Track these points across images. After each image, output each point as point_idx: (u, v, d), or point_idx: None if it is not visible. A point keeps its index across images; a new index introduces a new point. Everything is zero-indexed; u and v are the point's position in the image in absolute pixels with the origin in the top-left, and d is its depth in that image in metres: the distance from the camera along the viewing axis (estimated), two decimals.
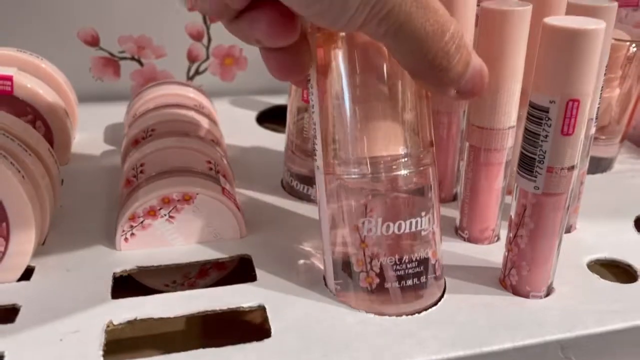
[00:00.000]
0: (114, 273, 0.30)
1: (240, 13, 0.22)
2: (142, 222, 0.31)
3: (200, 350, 0.25)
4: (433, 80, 0.23)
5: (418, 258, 0.27)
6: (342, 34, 0.25)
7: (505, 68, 0.29)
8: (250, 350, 0.25)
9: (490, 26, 0.29)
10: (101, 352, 0.25)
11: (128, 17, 0.52)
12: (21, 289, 0.29)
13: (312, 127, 0.27)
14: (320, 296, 0.29)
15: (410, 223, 0.26)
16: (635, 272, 0.32)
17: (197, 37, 0.53)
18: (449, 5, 0.31)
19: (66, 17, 0.51)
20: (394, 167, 0.26)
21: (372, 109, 0.26)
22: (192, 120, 0.39)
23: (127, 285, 0.31)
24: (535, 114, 0.25)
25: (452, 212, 0.35)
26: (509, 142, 0.31)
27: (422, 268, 0.27)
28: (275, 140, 0.46)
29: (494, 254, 0.32)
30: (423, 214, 0.26)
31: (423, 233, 0.27)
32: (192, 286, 0.34)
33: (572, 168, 0.26)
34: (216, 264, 0.33)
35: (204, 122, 0.39)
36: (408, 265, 0.27)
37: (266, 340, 0.26)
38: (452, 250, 0.33)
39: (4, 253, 0.29)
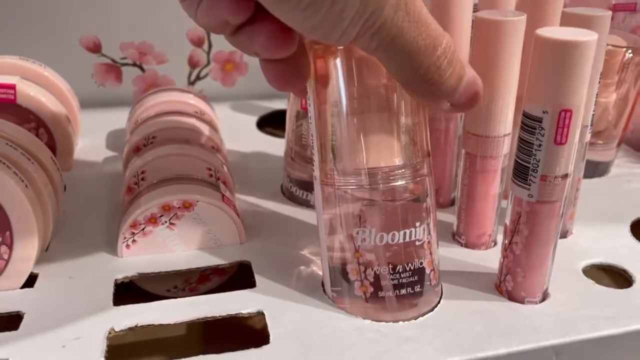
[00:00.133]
0: (115, 279, 0.31)
1: (240, 27, 0.22)
2: (143, 229, 0.32)
3: (200, 357, 0.25)
4: (426, 93, 0.23)
5: (412, 268, 0.27)
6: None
7: (500, 77, 0.29)
8: (249, 357, 0.26)
9: (485, 36, 0.29)
10: (102, 359, 0.25)
11: (129, 24, 0.52)
12: (25, 295, 0.29)
13: (310, 137, 0.27)
14: (319, 302, 0.29)
15: (405, 233, 0.27)
16: (630, 277, 0.32)
17: (198, 43, 0.54)
18: (444, 16, 0.31)
19: (68, 25, 0.51)
20: (391, 178, 0.26)
21: (370, 120, 0.26)
22: (193, 128, 0.39)
23: (129, 291, 0.32)
24: (528, 124, 0.26)
25: (450, 217, 0.36)
26: (505, 149, 0.31)
27: (417, 277, 0.27)
28: (275, 146, 0.47)
29: (490, 259, 0.32)
30: (418, 224, 0.27)
31: (417, 243, 0.27)
32: (193, 291, 0.35)
33: (565, 176, 0.26)
34: (216, 270, 0.34)
35: (205, 129, 0.40)
36: (402, 275, 0.27)
37: (265, 347, 0.26)
38: (449, 255, 0.33)
39: (7, 260, 0.29)
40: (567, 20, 0.30)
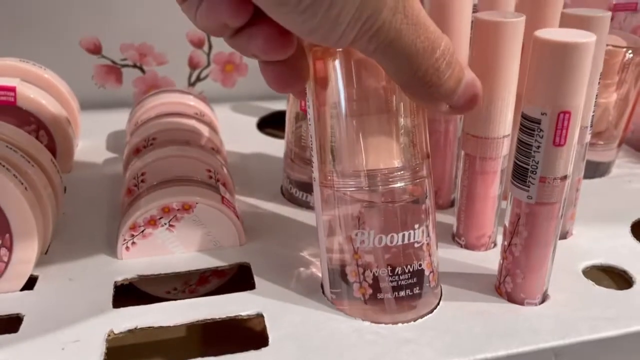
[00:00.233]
0: (115, 282, 0.31)
1: (239, 30, 0.22)
2: (142, 231, 0.32)
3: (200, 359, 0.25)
4: (424, 95, 0.23)
5: (411, 270, 0.27)
6: None
7: (499, 78, 0.29)
8: (249, 359, 0.26)
9: (484, 37, 0.29)
10: None
11: (129, 26, 0.52)
12: (24, 298, 0.29)
13: (309, 139, 0.27)
14: (318, 304, 0.29)
15: (403, 235, 0.27)
16: (630, 278, 0.32)
17: (198, 44, 0.54)
18: (444, 17, 0.31)
19: (69, 26, 0.51)
20: (390, 179, 0.26)
21: (369, 122, 0.26)
22: (193, 129, 0.39)
23: (128, 293, 0.32)
24: (527, 125, 0.26)
25: (450, 218, 0.36)
26: (504, 151, 0.31)
27: (416, 279, 0.27)
28: (275, 147, 0.47)
29: (490, 260, 0.32)
30: (417, 226, 0.27)
31: (416, 245, 0.27)
32: (192, 293, 0.35)
33: (564, 178, 0.26)
34: (216, 272, 0.34)
35: (204, 131, 0.40)
36: (401, 277, 0.27)
37: (264, 349, 0.26)
38: (449, 257, 0.33)
39: (7, 263, 0.29)
40: (567, 21, 0.30)
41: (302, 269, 0.32)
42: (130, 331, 0.27)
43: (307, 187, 0.38)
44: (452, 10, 0.32)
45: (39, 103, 0.39)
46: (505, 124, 0.30)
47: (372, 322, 0.28)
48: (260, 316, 0.28)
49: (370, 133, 0.26)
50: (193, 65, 0.55)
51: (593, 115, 0.32)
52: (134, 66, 0.54)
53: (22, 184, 0.29)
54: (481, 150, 0.31)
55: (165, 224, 0.32)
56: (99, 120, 0.50)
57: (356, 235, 0.27)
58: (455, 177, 0.38)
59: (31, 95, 0.39)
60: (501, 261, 0.30)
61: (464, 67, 0.24)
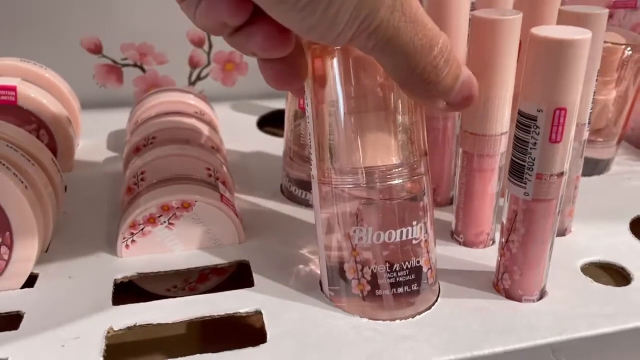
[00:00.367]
0: (115, 279, 0.31)
1: (238, 28, 0.22)
2: (142, 229, 0.32)
3: (198, 356, 0.26)
4: (422, 92, 0.24)
5: (409, 266, 0.27)
6: None
7: (497, 75, 0.29)
8: (246, 356, 0.26)
9: (481, 34, 0.29)
10: (101, 358, 0.25)
11: (130, 25, 0.52)
12: (25, 295, 0.29)
13: (307, 137, 0.28)
14: (317, 301, 0.29)
15: (401, 232, 0.27)
16: (629, 275, 0.32)
17: (198, 43, 0.54)
18: (442, 16, 0.32)
19: (69, 26, 0.52)
20: (388, 176, 0.27)
21: (368, 119, 0.26)
22: (193, 128, 0.39)
23: (129, 290, 0.32)
24: (523, 122, 0.26)
25: (449, 216, 0.36)
26: (502, 148, 0.31)
27: (414, 276, 0.27)
28: (275, 145, 0.47)
29: (488, 257, 0.32)
30: (414, 223, 0.27)
31: (414, 242, 0.27)
32: (192, 290, 0.35)
33: (561, 174, 0.26)
34: (215, 269, 0.34)
35: (204, 129, 0.40)
36: (399, 273, 0.27)
37: (262, 346, 0.26)
38: (447, 254, 0.33)
39: (7, 261, 0.29)
40: (564, 18, 0.30)
41: (301, 266, 0.32)
42: (129, 328, 0.27)
43: (306, 185, 0.38)
44: (450, 8, 0.32)
45: (40, 102, 0.40)
46: (502, 121, 0.31)
47: (370, 318, 0.28)
48: (258, 313, 0.28)
49: (368, 130, 0.26)
50: (193, 64, 0.55)
51: (591, 112, 0.32)
52: (135, 65, 0.54)
53: (22, 182, 0.29)
54: (479, 148, 0.31)
55: (165, 222, 0.32)
56: (100, 120, 0.51)
57: (354, 232, 0.27)
58: (453, 175, 0.38)
59: (32, 95, 0.39)
60: (499, 258, 0.30)
61: (461, 65, 0.24)
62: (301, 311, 0.28)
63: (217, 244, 0.34)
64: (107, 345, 0.26)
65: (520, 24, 0.29)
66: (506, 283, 0.29)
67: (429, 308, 0.29)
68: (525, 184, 0.27)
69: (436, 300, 0.29)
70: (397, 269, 0.27)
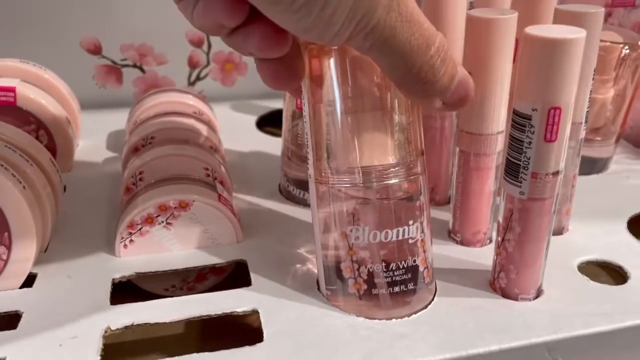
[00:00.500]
0: (113, 279, 0.31)
1: (235, 28, 0.22)
2: (140, 229, 0.32)
3: (195, 355, 0.26)
4: (419, 92, 0.24)
5: (406, 266, 0.27)
6: None
7: (492, 75, 0.29)
8: (243, 355, 0.26)
9: (477, 34, 0.29)
10: (99, 358, 0.26)
11: (129, 26, 0.53)
12: (24, 295, 0.30)
13: (304, 136, 0.28)
14: (313, 300, 0.29)
15: (398, 232, 0.27)
16: (625, 273, 0.32)
17: (197, 43, 0.54)
18: (438, 16, 0.32)
19: (69, 27, 0.52)
20: (384, 176, 0.27)
21: (365, 119, 0.26)
22: (191, 128, 0.39)
23: (128, 290, 0.32)
24: (518, 121, 0.26)
25: (447, 215, 0.36)
26: (498, 147, 0.31)
27: (410, 275, 0.28)
28: (274, 145, 0.47)
29: (485, 256, 0.32)
30: (411, 222, 0.27)
31: (410, 241, 0.27)
32: (190, 290, 0.35)
33: (556, 173, 0.26)
34: (213, 269, 0.34)
35: (203, 130, 0.40)
36: (396, 273, 0.27)
37: (259, 345, 0.26)
38: (444, 253, 0.33)
39: (6, 261, 0.30)
40: (560, 17, 0.30)
41: (298, 265, 0.32)
42: (127, 328, 0.28)
43: (304, 185, 0.38)
44: (447, 7, 0.32)
45: (39, 103, 0.40)
46: (499, 121, 0.31)
47: (366, 317, 0.28)
48: (255, 312, 0.29)
49: (365, 130, 0.26)
50: (193, 64, 0.55)
51: (588, 111, 0.32)
52: (134, 66, 0.54)
53: (20, 183, 0.29)
54: (475, 147, 0.31)
55: (163, 221, 0.32)
56: (100, 120, 0.51)
57: (351, 231, 0.27)
58: (451, 174, 0.38)
59: (31, 96, 0.40)
60: (495, 257, 0.30)
61: (457, 64, 0.24)
62: (298, 310, 0.29)
63: (215, 243, 0.34)
64: (104, 345, 0.26)
65: (516, 23, 0.29)
66: (502, 282, 0.29)
67: (426, 307, 0.29)
68: (521, 183, 0.27)
69: (432, 299, 0.29)
70: (394, 268, 0.27)
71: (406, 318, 0.28)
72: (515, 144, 0.26)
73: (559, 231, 0.35)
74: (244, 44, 0.23)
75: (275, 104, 0.55)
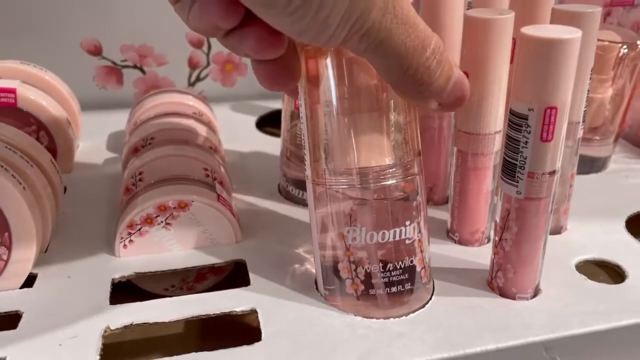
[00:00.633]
0: (112, 279, 0.31)
1: (231, 30, 0.22)
2: (139, 229, 0.32)
3: (193, 354, 0.26)
4: (415, 94, 0.24)
5: (403, 266, 0.27)
6: None
7: (490, 74, 0.29)
8: (242, 354, 0.26)
9: (474, 34, 0.29)
10: (98, 357, 0.26)
11: (129, 27, 0.53)
12: (24, 295, 0.30)
13: (301, 137, 0.28)
14: (312, 300, 0.29)
15: (395, 232, 0.27)
16: (623, 272, 0.32)
17: (197, 44, 0.55)
18: (436, 16, 0.32)
19: (69, 29, 0.52)
20: (382, 177, 0.27)
21: (362, 120, 0.26)
22: (191, 129, 0.40)
23: (128, 290, 0.32)
24: (515, 121, 0.26)
25: (445, 214, 0.36)
26: (496, 147, 0.31)
27: (407, 275, 0.28)
28: (273, 145, 0.47)
29: (483, 256, 0.33)
30: (408, 223, 0.27)
31: (407, 242, 0.27)
32: (190, 290, 0.35)
33: (553, 173, 0.27)
34: (213, 269, 0.34)
35: (202, 130, 0.40)
36: (393, 273, 0.27)
37: (257, 344, 0.27)
38: (442, 252, 0.33)
39: (6, 261, 0.30)
40: (558, 16, 0.30)
41: (296, 265, 0.32)
42: (126, 327, 0.28)
43: (303, 185, 0.38)
44: (445, 8, 0.32)
45: (39, 104, 0.40)
46: (496, 120, 0.31)
47: (364, 317, 0.28)
48: (254, 312, 0.29)
49: (362, 131, 0.27)
50: (193, 65, 0.56)
51: (585, 111, 0.33)
52: (135, 67, 0.55)
53: (20, 184, 0.30)
54: (473, 147, 0.31)
55: (162, 222, 0.32)
56: (101, 121, 0.51)
57: (348, 232, 0.27)
58: (449, 173, 0.38)
59: (31, 97, 0.40)
60: (492, 256, 0.30)
61: (453, 65, 0.24)
62: (296, 310, 0.29)
63: (214, 243, 0.34)
64: (103, 345, 0.27)
65: (513, 23, 0.29)
66: (500, 281, 0.29)
67: (423, 306, 0.29)
68: (518, 182, 0.27)
69: (430, 299, 0.29)
70: (391, 268, 0.27)
71: (404, 317, 0.28)
72: (511, 144, 0.27)
73: (557, 230, 0.35)
74: (239, 45, 0.23)
75: (275, 105, 0.55)
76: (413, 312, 0.28)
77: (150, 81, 0.55)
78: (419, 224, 0.28)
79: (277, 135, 0.50)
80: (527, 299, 0.29)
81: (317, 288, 0.30)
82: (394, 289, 0.28)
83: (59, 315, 0.28)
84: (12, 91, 0.39)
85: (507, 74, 0.30)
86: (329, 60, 0.26)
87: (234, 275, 0.35)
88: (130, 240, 0.33)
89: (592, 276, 0.32)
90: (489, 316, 0.28)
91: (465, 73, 0.29)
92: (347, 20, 0.21)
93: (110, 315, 0.28)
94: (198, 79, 0.56)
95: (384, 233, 0.27)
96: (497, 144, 0.31)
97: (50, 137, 0.41)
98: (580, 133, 0.33)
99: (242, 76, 0.57)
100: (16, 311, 0.29)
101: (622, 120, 0.43)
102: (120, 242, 0.33)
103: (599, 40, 0.39)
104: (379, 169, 0.27)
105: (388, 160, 0.27)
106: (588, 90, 0.32)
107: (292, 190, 0.39)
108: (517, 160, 0.26)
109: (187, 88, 0.56)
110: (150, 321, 0.28)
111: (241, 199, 0.39)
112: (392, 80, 0.24)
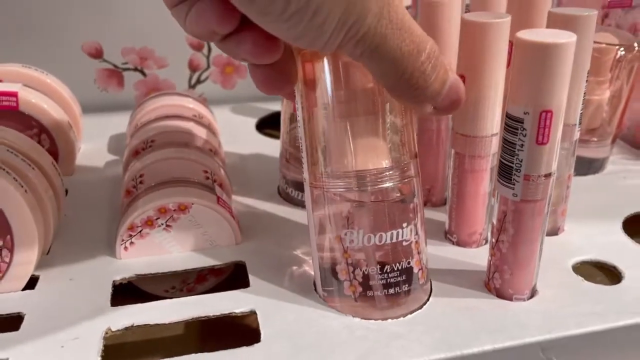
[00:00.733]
0: (113, 281, 0.31)
1: (227, 35, 0.23)
2: (140, 231, 0.33)
3: (193, 356, 0.26)
4: (410, 97, 0.24)
5: (400, 268, 0.28)
6: None
7: (486, 78, 0.30)
8: (241, 355, 0.26)
9: (471, 37, 0.29)
10: (99, 359, 0.26)
11: (130, 30, 0.53)
12: (26, 297, 0.30)
13: (299, 140, 0.28)
14: (310, 301, 0.30)
15: (392, 234, 0.27)
16: (620, 273, 0.32)
17: (197, 47, 0.55)
18: (433, 20, 0.32)
19: (70, 32, 0.52)
20: (379, 180, 0.27)
21: (358, 123, 0.27)
22: (191, 131, 0.40)
23: (129, 292, 0.33)
24: (511, 124, 0.26)
25: (443, 216, 0.36)
26: (493, 149, 0.32)
27: (405, 277, 0.28)
28: (273, 147, 0.47)
29: (481, 257, 0.33)
30: (405, 225, 0.27)
31: (404, 244, 0.28)
32: (190, 291, 0.36)
33: (548, 175, 0.27)
34: (213, 270, 0.35)
35: (202, 133, 0.40)
36: (390, 275, 0.28)
37: (256, 345, 0.27)
38: (440, 254, 0.34)
39: (9, 264, 0.30)
40: (554, 20, 0.30)
41: (295, 267, 0.32)
42: (127, 329, 0.28)
43: (302, 187, 0.38)
44: (442, 12, 0.33)
45: (41, 108, 0.40)
46: (493, 123, 0.31)
47: (362, 318, 0.28)
48: (253, 313, 0.29)
49: (359, 134, 0.27)
50: (193, 67, 0.56)
51: (582, 113, 0.33)
52: (135, 69, 0.55)
53: (22, 187, 0.30)
54: (470, 149, 0.32)
55: (162, 224, 0.33)
56: (102, 123, 0.51)
57: (345, 234, 0.27)
58: (447, 175, 0.38)
59: (33, 100, 0.40)
60: (489, 258, 0.30)
61: (448, 69, 0.24)
62: (295, 311, 0.29)
63: (214, 245, 0.34)
64: (105, 346, 0.27)
65: (509, 27, 0.29)
66: (497, 282, 0.30)
67: (421, 307, 0.29)
68: (514, 185, 0.27)
69: (428, 300, 0.30)
70: (388, 270, 0.28)
71: (402, 318, 0.28)
72: (507, 147, 0.27)
73: (554, 232, 0.36)
74: (236, 50, 0.23)
75: (275, 106, 0.56)
76: (411, 313, 0.29)
77: (151, 84, 0.55)
78: (415, 225, 0.28)
79: (277, 137, 0.50)
80: (524, 300, 0.30)
81: (315, 290, 0.30)
82: (391, 291, 0.28)
83: (61, 317, 0.29)
84: (14, 95, 0.39)
85: (503, 77, 0.30)
86: (325, 64, 0.26)
87: (233, 276, 0.36)
88: (131, 243, 0.33)
89: (589, 277, 0.32)
90: (486, 317, 0.29)
91: (462, 76, 0.30)
92: (343, 26, 0.21)
93: (112, 317, 0.29)
94: (198, 82, 0.57)
95: (381, 235, 0.27)
96: (494, 146, 0.32)
97: (52, 139, 0.41)
98: (576, 135, 0.33)
99: (242, 78, 0.57)
100: (18, 313, 0.29)
101: (620, 121, 0.43)
102: (121, 244, 0.33)
103: (596, 42, 0.39)
104: (376, 172, 0.27)
105: (385, 163, 0.27)
106: (585, 93, 0.32)
107: (292, 192, 0.39)
108: (513, 163, 0.27)
109: (187, 90, 0.56)
110: (151, 323, 0.28)
111: (241, 200, 0.40)
112: (387, 85, 0.24)
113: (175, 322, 0.29)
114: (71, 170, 0.43)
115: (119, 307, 0.29)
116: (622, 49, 0.40)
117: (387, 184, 0.27)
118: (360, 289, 0.28)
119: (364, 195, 0.27)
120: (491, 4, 0.36)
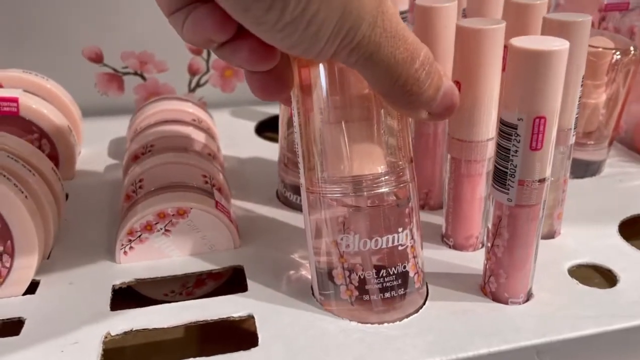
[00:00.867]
0: (113, 285, 0.32)
1: (224, 43, 0.23)
2: (139, 236, 0.33)
3: None
4: (405, 104, 0.24)
5: (396, 272, 0.28)
6: None
7: (482, 83, 0.30)
8: (239, 359, 0.27)
9: (466, 43, 0.30)
10: None
11: (130, 35, 0.54)
12: (26, 302, 0.31)
13: (295, 145, 0.28)
14: (307, 305, 0.30)
15: (387, 239, 0.27)
16: (615, 277, 0.33)
17: (197, 51, 0.55)
18: (428, 26, 0.32)
19: (71, 37, 0.53)
20: (375, 185, 0.27)
21: (354, 128, 0.27)
22: (190, 136, 0.40)
23: (129, 296, 0.33)
24: (505, 130, 0.27)
25: (440, 219, 0.37)
26: (488, 153, 0.32)
27: (400, 281, 0.28)
28: (272, 151, 0.48)
29: (477, 260, 0.33)
30: (400, 229, 0.28)
31: (400, 248, 0.28)
32: (189, 295, 0.36)
33: (543, 180, 0.27)
34: (212, 274, 0.35)
35: (202, 137, 0.41)
36: (386, 279, 0.28)
37: (253, 350, 0.27)
38: (437, 257, 0.34)
39: (9, 269, 0.30)
40: (549, 26, 0.31)
41: (293, 271, 0.33)
42: (126, 333, 0.28)
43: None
44: (438, 18, 0.33)
45: (41, 113, 0.41)
46: (488, 128, 0.31)
47: (359, 322, 0.29)
48: (251, 317, 0.29)
49: (354, 139, 0.27)
50: (193, 71, 0.56)
51: (577, 117, 0.33)
52: (135, 74, 0.55)
53: (22, 192, 0.30)
54: (466, 154, 0.32)
55: (161, 229, 0.33)
56: (102, 128, 0.52)
57: (341, 239, 0.28)
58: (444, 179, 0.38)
59: (33, 106, 0.40)
60: (485, 261, 0.30)
61: (443, 75, 0.25)
62: (292, 315, 0.29)
63: (213, 249, 0.34)
64: (104, 350, 0.27)
65: (504, 33, 0.29)
66: (492, 286, 0.30)
67: (417, 311, 0.29)
68: (508, 190, 0.27)
69: (424, 303, 0.30)
70: (384, 274, 0.28)
71: (398, 322, 0.29)
72: (502, 152, 0.27)
73: (550, 235, 0.36)
74: (232, 57, 0.23)
75: (274, 110, 0.56)
76: (407, 316, 0.29)
77: (151, 88, 0.56)
78: (411, 230, 0.28)
79: (276, 140, 0.50)
80: (520, 303, 0.30)
81: (312, 294, 0.31)
82: (387, 294, 0.28)
83: (61, 321, 0.29)
84: (15, 100, 0.40)
85: (498, 82, 0.30)
86: (321, 69, 0.26)
87: (232, 280, 0.36)
88: (131, 247, 0.33)
89: (584, 280, 0.32)
90: (482, 321, 0.29)
91: (458, 82, 0.30)
92: (337, 35, 0.21)
93: (111, 321, 0.29)
94: (198, 85, 0.57)
95: (377, 240, 0.27)
96: (489, 151, 0.32)
97: (52, 144, 0.42)
98: (572, 139, 0.33)
99: (242, 82, 0.58)
100: (19, 318, 0.29)
101: (617, 124, 0.43)
102: (121, 249, 0.33)
103: (592, 46, 0.39)
104: (372, 177, 0.27)
105: (381, 169, 0.27)
106: (580, 97, 0.32)
107: (290, 196, 0.39)
108: (507, 169, 0.27)
109: (187, 94, 0.57)
110: (150, 327, 0.29)
111: (240, 204, 0.40)
112: (382, 91, 0.24)
113: (174, 326, 0.29)
114: (71, 174, 0.44)
115: (119, 311, 0.30)
116: (618, 52, 0.40)
117: (383, 189, 0.27)
118: (356, 293, 0.28)
119: (360, 200, 0.27)
120: (487, 9, 0.36)
